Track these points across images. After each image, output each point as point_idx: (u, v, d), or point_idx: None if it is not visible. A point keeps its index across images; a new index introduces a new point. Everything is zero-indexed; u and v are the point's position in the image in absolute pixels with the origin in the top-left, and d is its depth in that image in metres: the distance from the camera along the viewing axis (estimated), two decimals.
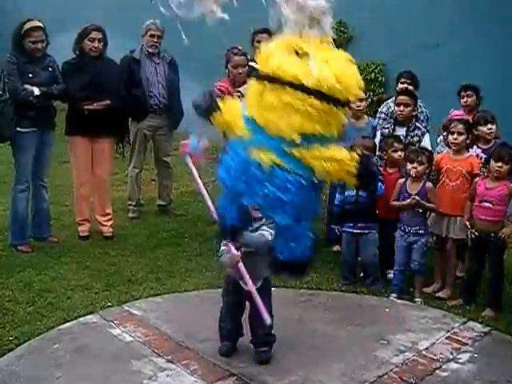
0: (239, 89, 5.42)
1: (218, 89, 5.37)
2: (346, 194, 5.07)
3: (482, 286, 4.78)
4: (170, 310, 4.47)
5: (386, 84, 7.73)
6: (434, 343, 4.02)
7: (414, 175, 4.81)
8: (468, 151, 4.94)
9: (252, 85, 3.50)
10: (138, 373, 3.61)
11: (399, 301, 4.74)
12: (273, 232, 3.56)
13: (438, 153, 5.21)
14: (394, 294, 4.83)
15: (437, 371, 3.69)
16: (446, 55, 7.13)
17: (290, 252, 3.55)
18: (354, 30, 8.09)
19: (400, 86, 5.72)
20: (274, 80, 3.32)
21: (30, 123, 5.43)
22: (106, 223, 6.08)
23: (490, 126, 4.95)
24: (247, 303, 3.77)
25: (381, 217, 5.06)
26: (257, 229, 3.56)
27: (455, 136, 4.85)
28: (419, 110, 5.47)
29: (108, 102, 5.71)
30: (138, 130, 6.53)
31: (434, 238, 5.11)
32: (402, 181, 4.92)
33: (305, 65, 3.28)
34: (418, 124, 5.40)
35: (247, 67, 5.10)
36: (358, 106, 5.66)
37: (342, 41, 8.10)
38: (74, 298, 4.65)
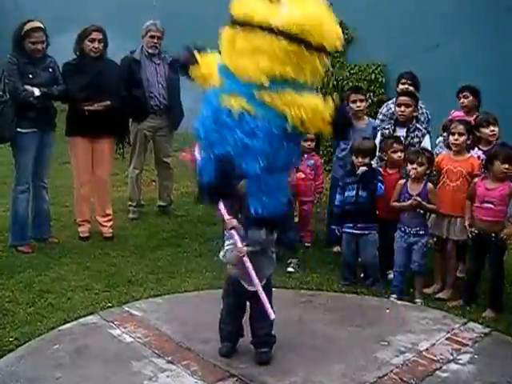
0: None
1: None
2: (346, 194, 5.07)
3: (482, 287, 4.79)
4: (171, 311, 4.47)
5: (387, 85, 7.73)
6: (434, 344, 4.02)
7: (413, 176, 4.81)
8: (469, 152, 4.94)
9: (225, 31, 3.45)
10: (138, 373, 3.61)
11: (399, 302, 4.74)
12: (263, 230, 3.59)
13: (437, 154, 5.20)
14: (394, 295, 4.83)
15: (437, 372, 3.69)
16: (446, 56, 7.13)
17: (262, 206, 3.45)
18: (355, 31, 8.09)
19: (401, 86, 5.72)
20: (244, 24, 3.29)
21: (31, 124, 5.43)
22: (106, 224, 6.08)
23: (492, 128, 4.95)
24: (248, 304, 3.77)
25: (380, 217, 5.06)
26: None
27: (456, 137, 4.85)
28: (420, 111, 5.47)
29: (108, 102, 5.71)
30: (139, 130, 6.53)
31: (435, 238, 5.11)
32: (402, 182, 4.92)
33: (276, 8, 3.26)
34: (418, 125, 5.40)
35: None
36: (358, 107, 5.68)
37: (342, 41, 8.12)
38: (75, 299, 4.65)
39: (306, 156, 5.69)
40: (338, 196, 5.20)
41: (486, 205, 4.50)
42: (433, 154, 5.07)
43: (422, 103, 5.55)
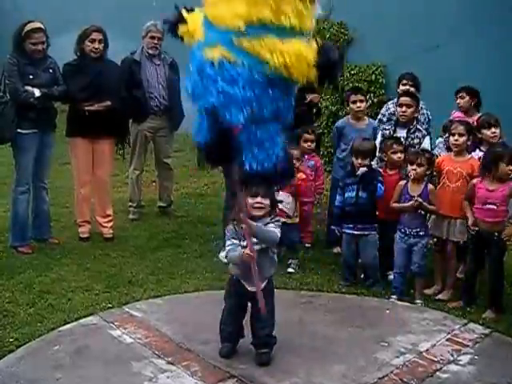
0: None
1: None
2: (346, 195, 5.07)
3: (482, 288, 4.79)
4: (171, 312, 4.47)
5: (387, 86, 7.73)
6: (435, 345, 4.02)
7: (412, 177, 4.81)
8: (470, 153, 4.93)
9: None
10: (138, 374, 3.61)
11: (400, 302, 4.74)
12: (279, 229, 3.62)
13: (436, 155, 5.20)
14: (394, 296, 4.83)
15: (437, 373, 3.69)
16: (447, 56, 7.13)
17: (256, 160, 3.39)
18: (355, 32, 8.10)
19: (402, 87, 5.73)
20: None
21: (31, 125, 5.43)
22: (106, 224, 6.08)
23: (493, 129, 4.94)
24: (249, 305, 3.77)
25: (380, 218, 5.06)
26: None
27: (456, 137, 4.85)
28: (420, 112, 5.48)
29: (108, 103, 5.71)
30: (139, 131, 6.53)
31: (435, 239, 5.11)
32: (402, 183, 4.91)
33: None
34: (418, 126, 5.41)
35: None
36: (358, 107, 5.68)
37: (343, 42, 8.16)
38: (75, 300, 4.65)
39: (306, 157, 5.70)
40: (337, 197, 5.20)
41: (489, 206, 4.50)
42: (433, 155, 5.07)
43: (422, 104, 5.56)
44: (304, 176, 5.46)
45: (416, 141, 5.35)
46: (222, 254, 5.28)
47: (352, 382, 3.57)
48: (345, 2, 7.90)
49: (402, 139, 5.30)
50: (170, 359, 3.77)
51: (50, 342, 3.97)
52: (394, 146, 5.14)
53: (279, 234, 3.66)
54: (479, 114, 5.41)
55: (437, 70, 7.03)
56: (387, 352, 3.91)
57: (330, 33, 8.10)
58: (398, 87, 5.82)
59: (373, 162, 5.17)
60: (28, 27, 5.37)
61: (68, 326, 4.21)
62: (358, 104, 5.68)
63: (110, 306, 4.55)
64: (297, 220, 5.44)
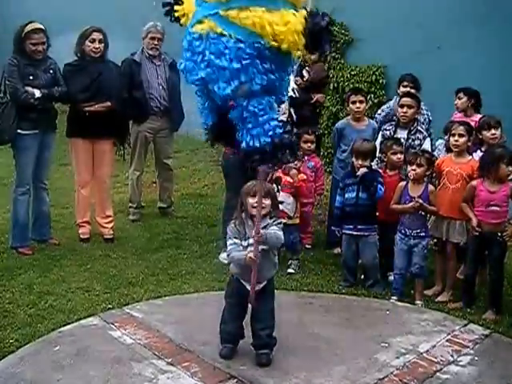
0: None
1: None
2: (346, 196, 5.08)
3: (482, 289, 4.79)
4: (171, 313, 4.47)
5: (387, 86, 7.73)
6: (435, 346, 4.02)
7: (412, 177, 4.81)
8: (470, 155, 4.93)
9: None
10: (138, 375, 3.61)
11: (400, 303, 4.74)
12: (281, 232, 3.64)
13: (436, 157, 5.20)
14: (394, 297, 4.83)
15: (437, 374, 3.69)
16: (448, 57, 7.12)
17: (251, 136, 3.34)
18: (355, 33, 8.09)
19: (402, 89, 5.74)
20: None
21: (31, 125, 5.44)
22: (106, 225, 6.08)
23: (493, 131, 4.93)
24: (249, 306, 3.78)
25: (380, 219, 5.06)
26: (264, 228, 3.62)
27: (456, 138, 4.85)
28: (421, 113, 5.48)
29: (109, 103, 5.71)
30: (139, 132, 6.53)
31: (435, 240, 5.11)
32: (402, 184, 4.91)
33: None
34: (419, 128, 5.41)
35: None
36: (358, 108, 5.68)
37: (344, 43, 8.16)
38: (75, 301, 4.65)
39: (306, 158, 5.70)
40: (338, 197, 5.20)
41: (493, 208, 4.51)
42: (433, 156, 5.07)
43: (423, 104, 5.57)
44: (305, 177, 5.47)
45: (417, 142, 5.34)
46: (222, 255, 5.29)
47: (352, 383, 3.56)
48: (345, 3, 7.90)
49: (403, 140, 5.30)
50: (170, 360, 3.77)
51: (51, 343, 3.97)
52: (394, 146, 5.14)
53: (283, 237, 3.69)
54: (479, 115, 5.42)
55: (437, 71, 7.03)
56: (387, 353, 3.91)
57: None
58: (399, 88, 5.83)
59: (373, 163, 5.18)
60: (28, 28, 5.38)
61: (68, 326, 4.21)
62: (358, 105, 5.69)
63: (110, 306, 4.55)
64: (297, 221, 5.45)
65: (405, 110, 5.35)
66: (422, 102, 5.53)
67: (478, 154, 4.96)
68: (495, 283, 4.61)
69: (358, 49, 8.10)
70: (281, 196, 5.06)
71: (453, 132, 4.89)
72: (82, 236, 6.02)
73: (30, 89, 5.36)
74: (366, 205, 4.98)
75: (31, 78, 5.41)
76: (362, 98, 5.74)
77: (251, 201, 3.64)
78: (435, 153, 5.36)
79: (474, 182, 4.63)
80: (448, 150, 5.06)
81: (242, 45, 3.19)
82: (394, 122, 5.53)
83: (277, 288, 4.03)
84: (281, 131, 3.37)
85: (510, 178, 4.62)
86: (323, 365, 3.74)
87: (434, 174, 5.07)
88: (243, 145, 3.37)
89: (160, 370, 3.66)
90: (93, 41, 5.68)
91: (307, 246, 5.89)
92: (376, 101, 7.65)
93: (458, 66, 7.00)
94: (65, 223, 6.44)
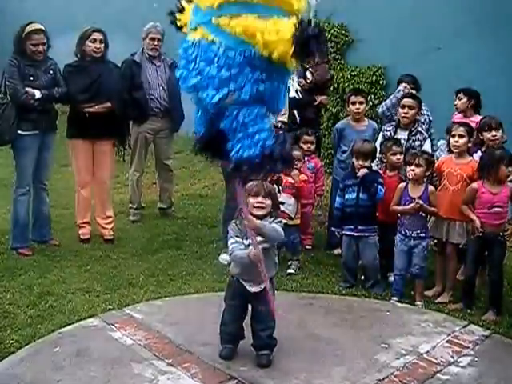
0: None
1: None
2: (347, 196, 5.08)
3: (482, 290, 4.79)
4: (171, 314, 4.46)
5: (387, 87, 7.74)
6: (435, 347, 4.02)
7: (411, 177, 4.81)
8: (471, 155, 4.93)
9: None
10: (138, 376, 3.61)
11: (400, 304, 4.74)
12: (281, 228, 3.63)
13: (437, 158, 5.19)
14: (394, 298, 4.83)
15: (437, 375, 3.68)
16: (449, 58, 7.12)
17: (241, 146, 3.26)
18: (355, 34, 8.10)
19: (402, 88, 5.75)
20: None
21: (32, 126, 5.44)
22: (106, 226, 6.08)
23: (494, 132, 4.93)
24: (250, 306, 3.78)
25: (380, 220, 5.06)
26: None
27: (456, 139, 4.85)
28: (421, 114, 5.48)
29: (109, 104, 5.71)
30: (139, 133, 6.53)
31: (435, 241, 5.11)
32: (402, 185, 4.90)
33: None
34: (420, 129, 5.41)
35: None
36: (358, 109, 5.69)
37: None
38: (75, 301, 4.65)
39: (306, 159, 5.70)
40: (338, 198, 5.20)
41: (495, 209, 4.52)
42: (432, 156, 5.07)
43: (424, 105, 5.56)
44: (305, 177, 5.47)
45: (417, 143, 5.33)
46: (223, 256, 5.29)
47: (352, 383, 3.56)
48: (345, 4, 7.91)
49: (403, 141, 5.30)
50: (170, 361, 3.77)
51: (51, 344, 3.97)
52: (394, 147, 5.14)
53: (283, 232, 3.68)
54: (479, 116, 5.42)
55: (437, 72, 7.03)
56: (387, 354, 3.91)
57: (330, 35, 8.11)
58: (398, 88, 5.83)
59: (373, 164, 5.18)
60: (28, 28, 5.38)
61: (68, 327, 4.21)
62: (358, 105, 5.69)
63: (110, 307, 4.55)
64: (298, 221, 5.45)
65: (406, 110, 5.35)
66: (422, 102, 5.53)
67: (478, 155, 4.96)
68: (495, 284, 4.61)
69: (358, 49, 8.11)
70: (282, 197, 5.06)
71: (453, 133, 4.89)
72: (82, 237, 6.02)
73: (30, 89, 5.36)
74: (367, 206, 4.98)
75: (31, 78, 5.41)
76: (362, 99, 5.75)
77: (252, 200, 3.64)
78: (437, 153, 5.36)
79: (475, 185, 4.63)
80: (450, 150, 5.05)
81: (231, 53, 3.16)
82: (394, 123, 5.53)
83: (277, 289, 4.03)
84: (271, 143, 3.31)
85: (509, 179, 4.62)
86: (323, 365, 3.74)
87: (435, 175, 5.07)
88: (233, 155, 3.31)
89: (160, 371, 3.66)
90: (93, 41, 5.69)
91: (307, 247, 5.89)
92: (376, 101, 7.64)
93: (458, 67, 7.00)
94: (65, 224, 6.43)
